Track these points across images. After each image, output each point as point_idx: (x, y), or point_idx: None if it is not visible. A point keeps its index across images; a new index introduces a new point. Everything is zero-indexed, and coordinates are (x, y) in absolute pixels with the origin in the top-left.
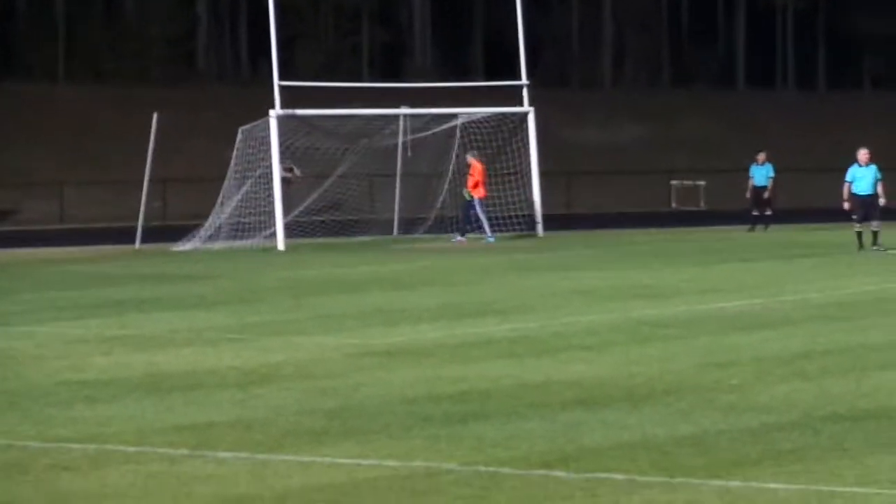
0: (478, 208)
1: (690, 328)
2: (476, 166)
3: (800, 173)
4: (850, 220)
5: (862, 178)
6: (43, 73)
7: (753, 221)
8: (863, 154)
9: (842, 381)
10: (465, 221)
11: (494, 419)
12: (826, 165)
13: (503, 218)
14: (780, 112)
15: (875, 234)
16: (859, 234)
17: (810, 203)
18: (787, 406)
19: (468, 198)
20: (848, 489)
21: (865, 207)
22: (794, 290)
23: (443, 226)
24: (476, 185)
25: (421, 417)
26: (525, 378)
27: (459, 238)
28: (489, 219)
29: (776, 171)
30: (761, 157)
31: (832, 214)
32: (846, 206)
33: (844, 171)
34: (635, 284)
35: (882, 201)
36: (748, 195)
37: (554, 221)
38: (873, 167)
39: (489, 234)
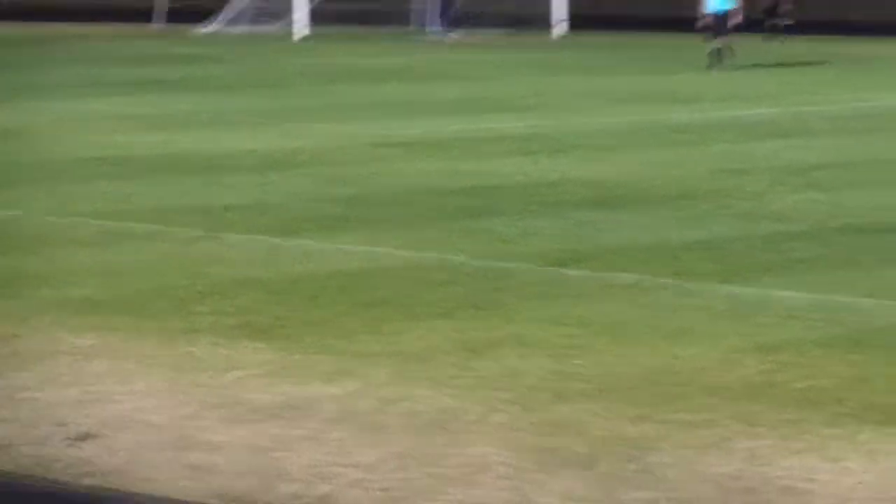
0: None
1: (708, 134)
2: None
3: None
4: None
5: None
6: None
7: (771, 30)
8: None
9: (858, 194)
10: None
11: (508, 215)
12: None
13: (526, 16)
14: None
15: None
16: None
17: (836, 16)
18: (801, 216)
19: None
20: (858, 300)
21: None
22: (815, 100)
23: (466, 20)
24: None
25: (435, 209)
26: (539, 176)
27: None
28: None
29: None
30: None
31: (858, 28)
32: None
33: None
34: (656, 90)
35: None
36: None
37: (579, 23)
38: None
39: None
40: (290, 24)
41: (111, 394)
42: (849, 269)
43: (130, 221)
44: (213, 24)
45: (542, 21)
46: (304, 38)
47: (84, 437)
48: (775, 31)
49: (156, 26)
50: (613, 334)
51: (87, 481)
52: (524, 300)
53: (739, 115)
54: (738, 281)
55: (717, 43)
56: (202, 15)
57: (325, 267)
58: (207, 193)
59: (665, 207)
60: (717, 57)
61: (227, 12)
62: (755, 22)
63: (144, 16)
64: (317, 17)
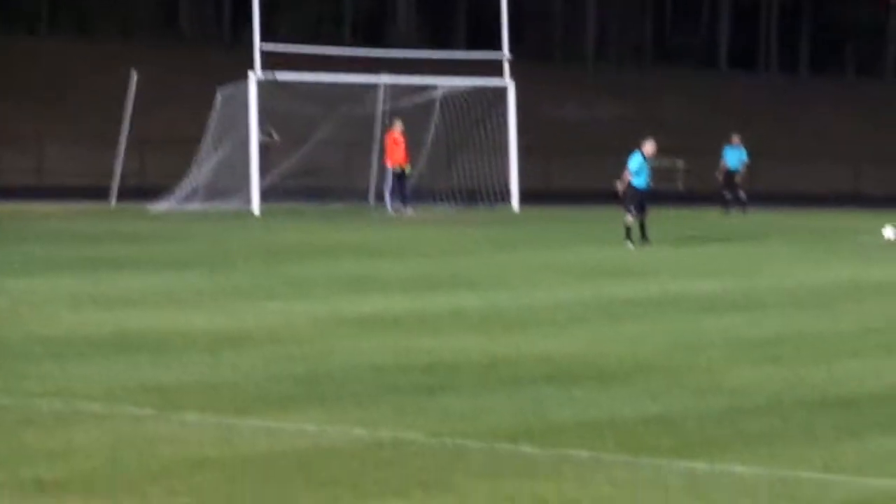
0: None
1: (662, 309)
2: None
3: (779, 157)
4: (831, 206)
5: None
6: (25, 26)
7: (725, 204)
8: (648, 146)
9: (813, 368)
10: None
11: (462, 392)
12: (806, 150)
13: (478, 192)
14: (761, 95)
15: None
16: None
17: (789, 187)
18: (756, 390)
19: (409, 170)
20: (815, 475)
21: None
22: (769, 274)
23: (419, 196)
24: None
25: (389, 387)
26: (494, 352)
27: (409, 210)
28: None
29: (750, 155)
30: (735, 138)
31: (810, 199)
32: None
33: (823, 155)
34: (609, 263)
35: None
36: (718, 176)
37: (531, 198)
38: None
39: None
40: (244, 201)
41: None
42: (805, 444)
43: (80, 401)
44: (167, 202)
45: (495, 196)
46: (258, 216)
47: None
48: (735, 204)
49: (112, 204)
50: None
51: None
52: (477, 478)
53: (693, 289)
54: (693, 456)
55: (636, 217)
56: (158, 192)
57: (278, 446)
58: (158, 373)
59: (619, 383)
60: (638, 232)
61: (182, 190)
62: (711, 195)
63: (102, 193)
64: (271, 194)
